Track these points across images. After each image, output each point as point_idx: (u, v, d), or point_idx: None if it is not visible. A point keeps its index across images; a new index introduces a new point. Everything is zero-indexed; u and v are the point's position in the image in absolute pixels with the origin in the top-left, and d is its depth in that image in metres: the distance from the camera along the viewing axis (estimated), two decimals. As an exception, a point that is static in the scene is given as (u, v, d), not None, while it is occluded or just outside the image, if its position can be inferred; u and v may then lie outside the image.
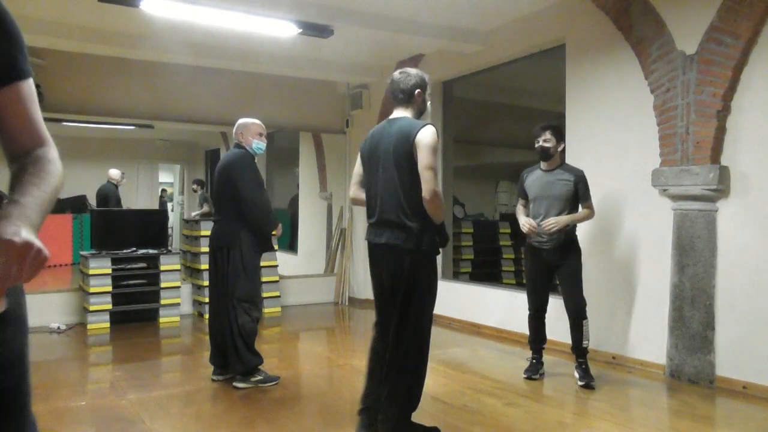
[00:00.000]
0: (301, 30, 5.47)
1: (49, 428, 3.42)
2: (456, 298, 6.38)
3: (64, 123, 9.63)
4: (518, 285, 7.48)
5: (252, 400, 3.92)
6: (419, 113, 3.13)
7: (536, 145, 4.28)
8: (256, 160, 4.30)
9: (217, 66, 7.02)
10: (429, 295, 3.06)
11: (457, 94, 7.22)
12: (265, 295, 7.17)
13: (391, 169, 2.99)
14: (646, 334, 4.63)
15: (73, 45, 6.15)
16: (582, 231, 5.10)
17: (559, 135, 4.28)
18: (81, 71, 6.81)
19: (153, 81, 7.13)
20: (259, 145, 4.30)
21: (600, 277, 4.93)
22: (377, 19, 5.57)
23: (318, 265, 9.09)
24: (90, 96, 6.91)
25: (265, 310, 7.10)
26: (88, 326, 6.12)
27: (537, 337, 4.49)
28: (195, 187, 11.47)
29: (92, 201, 12.96)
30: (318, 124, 8.48)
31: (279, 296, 7.24)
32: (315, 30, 5.51)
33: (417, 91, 3.09)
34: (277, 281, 7.27)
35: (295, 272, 8.73)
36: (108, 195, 10.22)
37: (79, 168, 13.55)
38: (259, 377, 4.18)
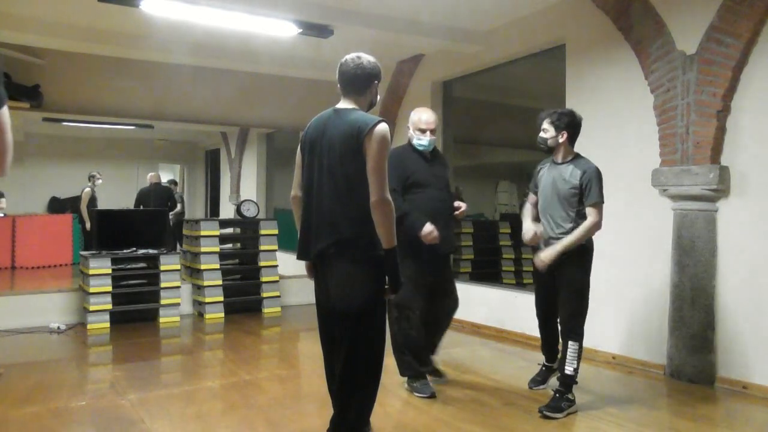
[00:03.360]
0: (301, 30, 5.48)
1: (49, 428, 3.42)
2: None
3: (64, 123, 9.65)
4: (518, 285, 7.48)
5: (252, 400, 3.92)
6: (369, 106, 2.85)
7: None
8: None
9: (217, 66, 7.02)
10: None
11: (457, 94, 7.22)
12: (265, 295, 7.18)
13: (335, 165, 2.67)
14: (646, 334, 4.63)
15: (73, 45, 6.15)
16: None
17: (559, 123, 3.69)
18: (81, 71, 6.81)
19: (153, 81, 7.13)
20: (419, 140, 3.99)
21: (600, 277, 4.91)
22: (377, 19, 5.57)
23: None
24: (90, 96, 6.91)
25: (265, 310, 7.12)
26: (88, 326, 6.12)
27: (544, 345, 4.09)
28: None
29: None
30: (318, 124, 8.46)
31: (279, 296, 7.25)
32: (315, 30, 5.51)
33: (374, 82, 2.81)
34: (277, 281, 7.28)
35: (295, 272, 8.72)
36: (150, 195, 10.66)
37: (79, 168, 13.57)
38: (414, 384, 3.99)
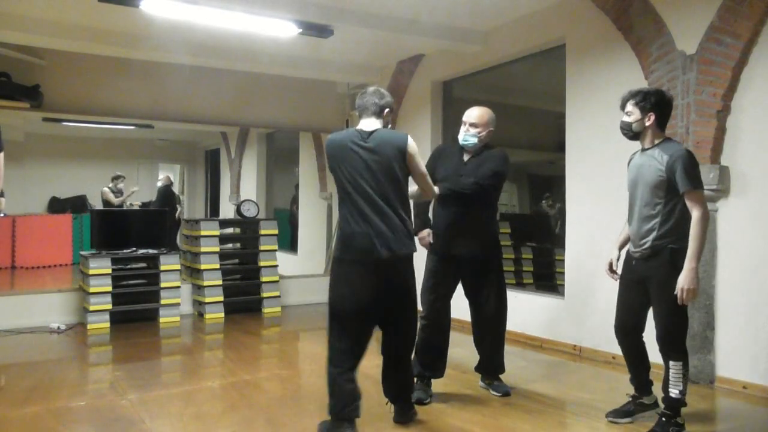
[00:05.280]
0: (301, 30, 5.47)
1: (49, 428, 3.42)
2: (456, 298, 6.36)
3: (64, 123, 9.64)
4: (518, 285, 7.47)
5: (252, 400, 3.92)
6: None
7: None
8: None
9: (217, 66, 7.02)
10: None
11: (457, 94, 7.21)
12: (265, 295, 7.18)
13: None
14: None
15: (73, 45, 6.14)
16: (581, 230, 5.11)
17: (645, 104, 3.23)
18: (81, 71, 6.81)
19: (153, 81, 7.13)
20: (463, 135, 3.91)
21: (600, 277, 4.91)
22: (377, 19, 5.57)
23: (318, 265, 9.09)
24: (90, 96, 6.91)
25: (265, 310, 7.12)
26: (88, 326, 6.12)
27: (628, 362, 3.53)
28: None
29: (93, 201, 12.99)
30: (318, 124, 8.47)
31: (279, 296, 7.25)
32: (315, 30, 5.50)
33: (387, 110, 3.32)
34: (277, 281, 7.28)
35: (295, 272, 8.73)
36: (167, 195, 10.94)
37: (79, 168, 13.57)
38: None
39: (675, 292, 3.10)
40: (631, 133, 3.30)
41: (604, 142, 4.92)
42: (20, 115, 8.36)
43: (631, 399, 3.51)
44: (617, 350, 4.79)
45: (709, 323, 4.21)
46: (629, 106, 3.27)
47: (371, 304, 3.25)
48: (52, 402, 3.85)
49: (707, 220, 3.11)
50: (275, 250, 7.36)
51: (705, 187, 4.13)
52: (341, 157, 3.24)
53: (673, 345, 3.21)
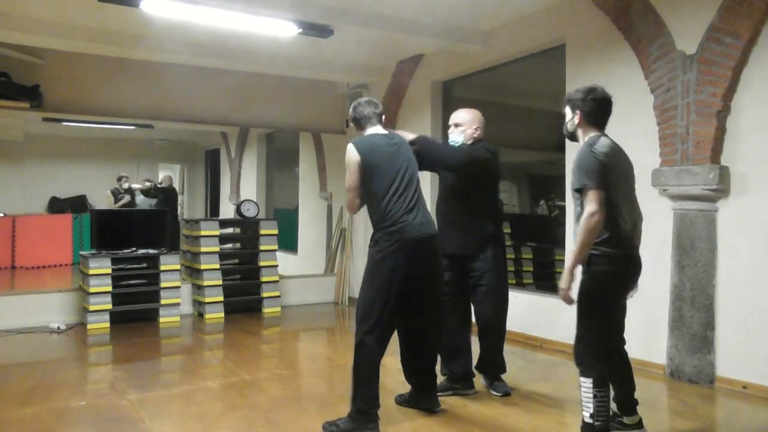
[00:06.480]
0: (301, 30, 5.47)
1: (49, 428, 3.42)
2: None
3: (64, 123, 9.65)
4: (518, 285, 7.47)
5: (252, 400, 3.92)
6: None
7: None
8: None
9: (217, 66, 7.02)
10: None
11: (457, 94, 7.21)
12: (265, 295, 7.18)
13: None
14: (646, 334, 4.62)
15: (73, 45, 6.14)
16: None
17: (573, 103, 3.08)
18: (81, 71, 6.81)
19: (153, 81, 7.13)
20: (450, 137, 4.00)
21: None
22: (377, 19, 5.57)
23: (318, 265, 9.09)
24: (90, 96, 6.91)
25: (265, 310, 7.12)
26: (88, 326, 6.12)
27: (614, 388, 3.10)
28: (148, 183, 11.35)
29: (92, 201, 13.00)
30: (318, 124, 8.47)
31: (279, 296, 7.25)
32: (315, 30, 5.50)
33: (383, 116, 3.62)
34: (277, 281, 7.28)
35: (295, 272, 8.73)
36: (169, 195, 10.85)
37: (79, 168, 13.58)
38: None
39: (580, 299, 2.93)
40: (568, 134, 3.16)
41: (604, 142, 4.91)
42: (20, 115, 8.38)
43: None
44: (617, 350, 4.81)
45: (709, 323, 4.21)
46: (565, 108, 3.13)
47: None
48: (52, 402, 3.85)
49: (595, 220, 2.79)
50: (275, 250, 7.37)
51: (705, 187, 4.15)
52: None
53: (578, 357, 2.94)
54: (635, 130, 4.70)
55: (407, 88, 7.25)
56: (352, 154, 3.38)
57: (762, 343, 3.97)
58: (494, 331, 4.02)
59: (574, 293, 2.93)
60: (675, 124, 4.36)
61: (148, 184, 10.92)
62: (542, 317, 5.45)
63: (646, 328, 4.62)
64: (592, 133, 3.03)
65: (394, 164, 3.40)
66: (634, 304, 4.72)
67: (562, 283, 2.90)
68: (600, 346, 2.93)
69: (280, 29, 5.54)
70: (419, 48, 6.72)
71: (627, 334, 4.73)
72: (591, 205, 2.81)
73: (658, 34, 4.46)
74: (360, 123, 3.54)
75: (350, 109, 3.61)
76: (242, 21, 5.33)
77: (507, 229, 8.76)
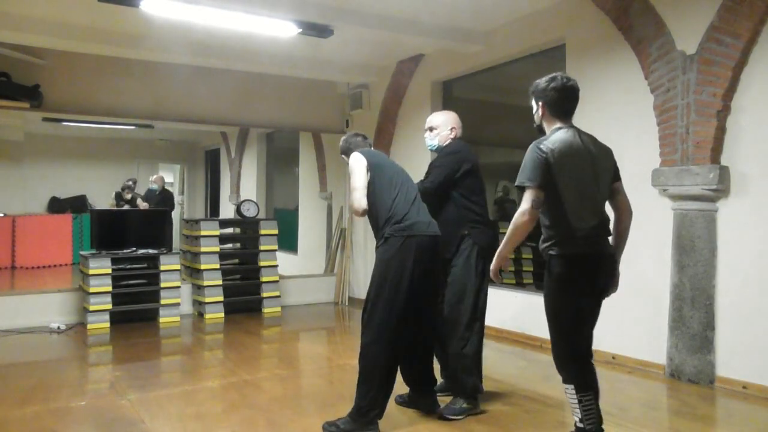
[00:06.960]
0: (301, 30, 5.47)
1: (49, 428, 3.42)
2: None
3: (64, 123, 9.64)
4: (518, 285, 7.47)
5: (252, 400, 3.92)
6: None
7: None
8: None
9: (217, 66, 7.02)
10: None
11: (457, 94, 7.21)
12: (265, 295, 7.18)
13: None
14: (646, 334, 4.63)
15: (73, 45, 6.15)
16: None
17: (535, 94, 2.92)
18: (81, 71, 6.81)
19: (153, 81, 7.13)
20: (426, 141, 4.00)
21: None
22: (377, 19, 5.57)
23: (318, 265, 9.09)
24: (90, 96, 6.91)
25: (265, 310, 7.12)
26: (88, 326, 6.12)
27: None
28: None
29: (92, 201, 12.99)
30: (318, 124, 8.48)
31: (279, 296, 7.25)
32: (315, 30, 5.50)
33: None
34: (277, 281, 7.28)
35: (295, 272, 8.73)
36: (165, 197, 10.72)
37: (79, 168, 13.57)
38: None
39: (544, 301, 2.86)
40: (536, 126, 2.98)
41: (604, 141, 4.91)
42: (20, 115, 8.38)
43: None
44: (617, 350, 4.81)
45: (709, 323, 4.21)
46: (532, 100, 2.95)
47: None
48: (52, 402, 3.85)
49: (524, 220, 2.73)
50: (275, 250, 7.37)
51: (705, 187, 4.15)
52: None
53: (556, 362, 2.89)
54: (635, 130, 4.70)
55: (407, 88, 7.25)
56: (357, 157, 3.48)
57: (762, 343, 3.97)
58: (447, 328, 3.70)
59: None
60: (675, 124, 4.36)
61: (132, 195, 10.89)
62: (542, 317, 5.42)
63: (646, 328, 4.63)
64: (556, 125, 2.86)
65: (396, 168, 3.59)
66: (634, 303, 4.74)
67: (493, 264, 2.93)
68: (567, 350, 2.88)
69: (280, 29, 5.54)
70: (419, 48, 6.72)
71: (627, 334, 4.75)
72: (524, 203, 2.75)
73: (658, 34, 4.46)
74: (351, 150, 3.63)
75: (341, 142, 3.78)
76: (242, 21, 5.33)
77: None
